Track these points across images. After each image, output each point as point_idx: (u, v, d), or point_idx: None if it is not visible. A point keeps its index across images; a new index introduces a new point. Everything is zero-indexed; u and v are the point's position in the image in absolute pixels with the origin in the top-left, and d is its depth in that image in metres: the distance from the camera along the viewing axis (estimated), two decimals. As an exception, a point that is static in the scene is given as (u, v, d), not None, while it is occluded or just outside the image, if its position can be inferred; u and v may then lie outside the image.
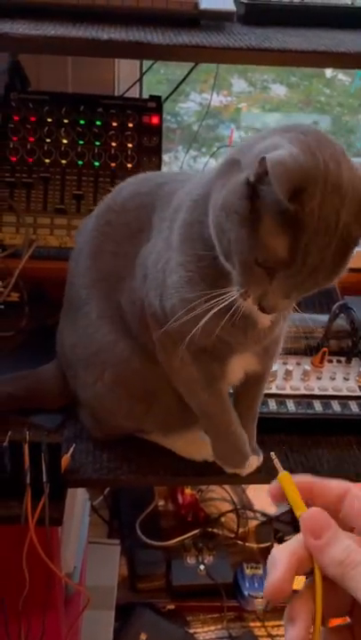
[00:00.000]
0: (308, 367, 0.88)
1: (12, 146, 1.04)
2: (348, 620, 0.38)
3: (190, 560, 1.34)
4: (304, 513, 0.38)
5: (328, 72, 1.87)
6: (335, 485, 0.39)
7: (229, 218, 0.55)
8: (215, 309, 0.58)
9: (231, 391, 0.77)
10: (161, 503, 1.43)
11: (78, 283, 0.77)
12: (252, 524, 1.43)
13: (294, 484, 0.40)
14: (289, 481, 0.40)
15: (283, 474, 0.41)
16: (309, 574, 0.37)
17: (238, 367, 0.71)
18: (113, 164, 1.05)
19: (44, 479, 0.73)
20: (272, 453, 0.44)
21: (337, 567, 0.35)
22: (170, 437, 0.79)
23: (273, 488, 0.40)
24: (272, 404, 0.84)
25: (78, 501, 1.16)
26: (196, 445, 0.79)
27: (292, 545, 0.37)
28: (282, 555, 0.37)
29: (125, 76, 1.24)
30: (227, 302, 0.58)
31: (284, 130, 0.56)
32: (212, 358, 0.68)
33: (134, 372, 0.74)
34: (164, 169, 1.64)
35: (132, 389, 0.75)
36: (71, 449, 0.78)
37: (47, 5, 0.86)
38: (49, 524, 0.73)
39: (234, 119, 1.86)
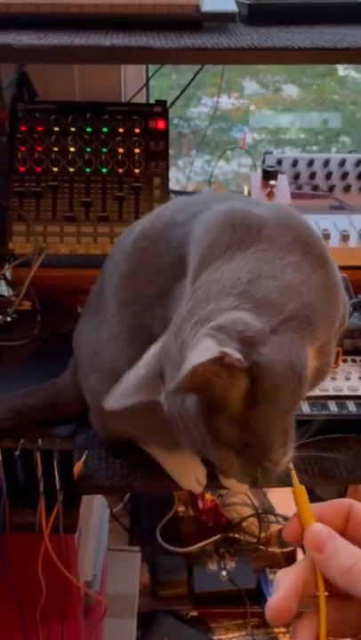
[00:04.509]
0: (322, 368, 0.87)
1: (20, 156, 1.05)
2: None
3: (212, 566, 1.32)
4: (306, 529, 0.38)
5: (341, 70, 1.86)
6: (338, 502, 0.39)
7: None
8: None
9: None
10: (181, 509, 1.42)
11: (109, 294, 0.75)
12: (275, 528, 1.41)
13: (307, 500, 0.39)
14: (303, 495, 0.40)
15: (298, 487, 0.40)
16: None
17: None
18: (120, 170, 1.05)
19: (57, 487, 0.73)
20: (290, 465, 0.43)
21: (345, 576, 0.35)
22: (166, 456, 0.78)
23: (289, 529, 0.39)
24: (286, 406, 0.82)
25: (96, 509, 1.16)
26: (187, 473, 0.77)
27: (297, 567, 0.37)
28: (285, 576, 0.37)
29: (132, 82, 1.25)
30: None
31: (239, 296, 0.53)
32: None
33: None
34: (179, 175, 1.64)
35: (149, 408, 0.74)
36: (84, 456, 0.77)
37: (50, 15, 0.87)
38: (63, 531, 0.73)
39: (245, 121, 1.86)
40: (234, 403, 0.50)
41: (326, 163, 1.20)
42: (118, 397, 0.56)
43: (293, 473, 0.42)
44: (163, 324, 0.68)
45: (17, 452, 0.72)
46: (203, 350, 0.46)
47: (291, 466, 0.43)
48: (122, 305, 0.73)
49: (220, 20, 0.90)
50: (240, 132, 1.80)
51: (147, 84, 1.26)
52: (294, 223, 0.61)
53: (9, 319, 1.00)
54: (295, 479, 0.41)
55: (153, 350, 0.57)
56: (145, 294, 0.71)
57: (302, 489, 0.40)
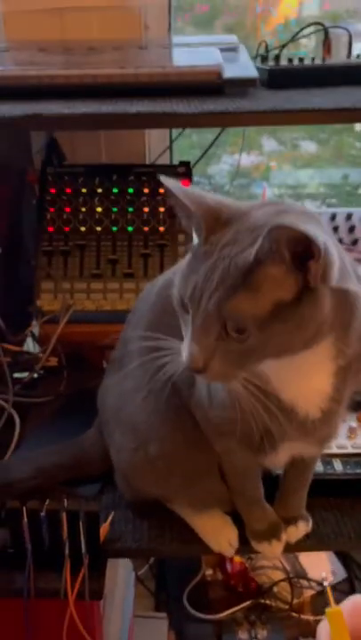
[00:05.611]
0: (354, 424, 0.84)
1: (49, 217, 1.08)
2: None
3: (243, 635, 1.26)
4: None
5: (358, 126, 1.90)
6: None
7: None
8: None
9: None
10: (209, 572, 1.37)
11: (132, 347, 0.76)
12: (308, 593, 1.34)
13: (345, 623, 0.36)
14: (340, 617, 0.37)
15: (334, 609, 0.37)
16: None
17: (286, 454, 0.68)
18: (146, 229, 1.08)
19: (83, 550, 0.71)
20: (326, 583, 0.40)
21: None
22: (196, 516, 0.76)
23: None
24: (318, 465, 0.80)
25: (122, 572, 1.12)
26: (218, 534, 0.75)
27: None
28: None
29: (156, 144, 1.29)
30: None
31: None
32: (259, 449, 0.64)
33: (181, 451, 0.71)
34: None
35: (174, 466, 0.72)
36: (110, 517, 0.75)
37: (79, 86, 0.91)
38: (89, 597, 0.71)
39: (265, 178, 1.90)
40: (267, 295, 0.49)
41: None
42: None
43: (330, 593, 0.40)
44: (183, 375, 0.68)
45: (42, 513, 0.70)
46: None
47: (326, 583, 0.40)
48: (145, 356, 0.73)
49: (241, 86, 0.93)
50: (260, 187, 1.83)
51: (170, 147, 1.30)
52: None
53: (35, 375, 1.01)
54: (331, 600, 0.38)
55: None
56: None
57: (339, 612, 0.37)
